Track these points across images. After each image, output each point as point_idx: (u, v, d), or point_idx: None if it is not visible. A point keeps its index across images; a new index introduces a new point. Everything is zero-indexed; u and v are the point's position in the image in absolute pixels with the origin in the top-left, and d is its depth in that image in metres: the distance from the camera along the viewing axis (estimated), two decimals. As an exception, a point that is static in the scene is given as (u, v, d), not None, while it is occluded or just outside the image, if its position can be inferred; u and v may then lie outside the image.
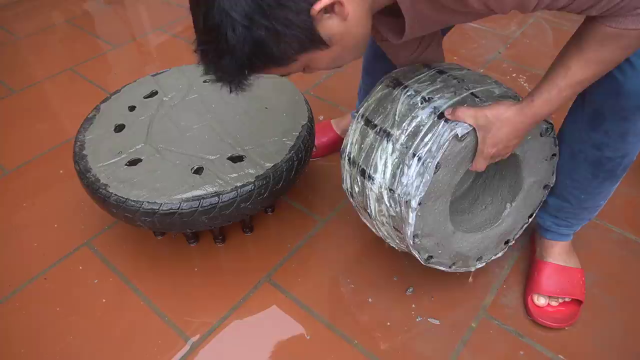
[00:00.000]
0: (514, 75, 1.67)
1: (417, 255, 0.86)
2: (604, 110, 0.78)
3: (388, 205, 0.83)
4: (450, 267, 0.92)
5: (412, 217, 0.79)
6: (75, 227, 1.18)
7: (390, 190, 0.81)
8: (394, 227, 0.86)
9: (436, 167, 0.75)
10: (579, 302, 0.98)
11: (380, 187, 0.82)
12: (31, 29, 2.00)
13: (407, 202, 0.78)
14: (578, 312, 0.97)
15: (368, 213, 0.89)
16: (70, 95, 1.64)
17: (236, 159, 1.00)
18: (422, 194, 0.77)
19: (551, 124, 0.85)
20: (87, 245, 1.14)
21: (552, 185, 0.94)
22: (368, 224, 0.95)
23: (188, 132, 1.06)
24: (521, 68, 1.70)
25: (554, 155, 0.89)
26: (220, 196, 0.92)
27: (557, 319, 0.96)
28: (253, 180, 0.95)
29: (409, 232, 0.81)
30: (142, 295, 1.03)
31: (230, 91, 0.64)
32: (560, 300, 0.98)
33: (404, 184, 0.78)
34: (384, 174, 0.81)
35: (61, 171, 1.33)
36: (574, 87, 0.69)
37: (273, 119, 1.09)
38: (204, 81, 1.21)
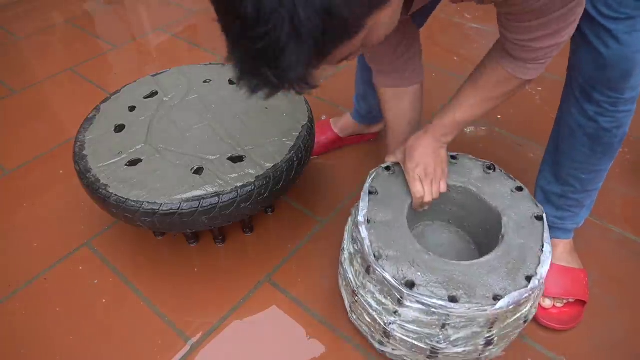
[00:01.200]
0: (514, 75, 1.67)
1: (394, 284, 0.75)
2: (592, 81, 0.82)
3: (353, 252, 0.86)
4: (452, 301, 0.73)
5: (363, 231, 0.82)
6: (75, 227, 1.18)
7: (352, 239, 0.87)
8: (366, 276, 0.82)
9: (370, 191, 0.88)
10: (582, 303, 0.98)
11: (345, 249, 0.90)
12: (31, 29, 2.00)
13: (356, 225, 0.84)
14: (582, 313, 0.97)
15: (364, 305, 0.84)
16: (70, 95, 1.64)
17: (236, 159, 1.00)
18: (365, 209, 0.85)
19: (493, 164, 0.95)
20: (87, 245, 1.14)
21: (542, 215, 0.86)
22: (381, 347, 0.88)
23: (188, 132, 1.06)
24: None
25: (518, 188, 0.91)
26: (220, 196, 0.92)
27: (562, 321, 0.96)
28: (253, 181, 0.94)
29: (366, 247, 0.79)
30: (142, 296, 1.03)
31: (298, 93, 0.53)
32: (565, 302, 0.98)
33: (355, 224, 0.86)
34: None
35: (61, 171, 1.33)
36: (468, 119, 0.86)
37: (273, 119, 1.09)
38: (204, 81, 1.21)
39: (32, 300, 1.03)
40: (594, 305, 1.00)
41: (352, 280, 0.85)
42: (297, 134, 1.05)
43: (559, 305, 0.98)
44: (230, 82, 1.21)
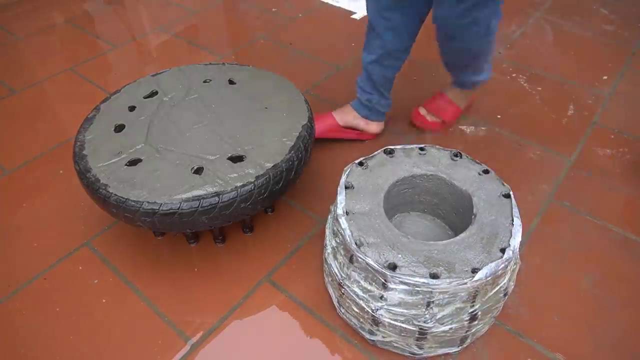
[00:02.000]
0: (513, 75, 1.67)
1: (377, 269, 0.79)
2: None
3: (335, 245, 0.90)
4: (434, 277, 0.77)
5: (343, 222, 0.85)
6: (75, 227, 1.18)
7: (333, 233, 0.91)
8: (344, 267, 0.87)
9: (346, 186, 0.92)
10: (444, 123, 1.41)
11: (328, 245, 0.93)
12: (31, 29, 2.00)
13: (336, 218, 0.87)
14: (441, 129, 1.42)
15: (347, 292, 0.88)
16: (70, 95, 1.64)
17: (236, 159, 1.00)
18: (343, 202, 0.88)
19: (459, 152, 1.00)
20: (87, 245, 1.14)
21: (509, 192, 0.91)
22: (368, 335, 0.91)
23: (188, 132, 1.06)
24: (521, 68, 1.70)
25: (485, 171, 0.96)
26: (220, 196, 0.92)
27: (427, 126, 1.41)
28: (253, 180, 0.94)
29: (347, 237, 0.83)
30: (142, 296, 1.03)
31: None
32: (435, 119, 1.40)
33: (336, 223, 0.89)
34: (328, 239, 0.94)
35: (61, 171, 1.33)
36: None
37: (273, 118, 1.09)
38: (204, 81, 1.21)
39: (32, 300, 1.03)
40: (594, 305, 1.00)
41: (337, 273, 0.89)
42: (297, 133, 1.05)
43: (429, 118, 1.40)
44: (230, 82, 1.21)
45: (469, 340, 0.91)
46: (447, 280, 0.76)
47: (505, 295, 0.86)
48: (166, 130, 1.07)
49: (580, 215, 1.18)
